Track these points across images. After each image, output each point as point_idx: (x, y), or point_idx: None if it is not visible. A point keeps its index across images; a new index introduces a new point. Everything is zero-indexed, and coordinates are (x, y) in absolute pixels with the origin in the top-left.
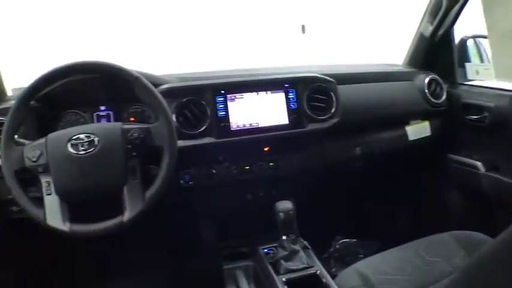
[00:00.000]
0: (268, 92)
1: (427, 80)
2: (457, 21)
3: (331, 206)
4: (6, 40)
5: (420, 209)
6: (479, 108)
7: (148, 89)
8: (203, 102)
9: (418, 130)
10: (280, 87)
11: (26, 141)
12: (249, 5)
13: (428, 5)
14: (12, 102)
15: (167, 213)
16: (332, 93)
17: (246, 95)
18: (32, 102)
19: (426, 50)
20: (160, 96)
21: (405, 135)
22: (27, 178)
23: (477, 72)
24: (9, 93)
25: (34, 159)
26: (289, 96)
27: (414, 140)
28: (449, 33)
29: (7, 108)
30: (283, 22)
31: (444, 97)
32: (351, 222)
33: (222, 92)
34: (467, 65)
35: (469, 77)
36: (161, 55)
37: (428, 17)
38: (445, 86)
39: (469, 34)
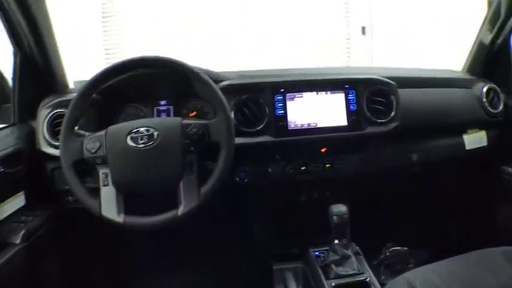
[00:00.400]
0: (328, 92)
1: (485, 89)
2: None
3: (384, 211)
4: (70, 34)
5: (473, 220)
6: None
7: (209, 85)
8: (262, 101)
9: (475, 139)
10: (340, 88)
11: (86, 133)
12: (309, 6)
13: (488, 13)
14: (74, 94)
15: (221, 209)
16: (392, 96)
17: (305, 94)
18: (94, 95)
19: (485, 58)
20: (220, 93)
21: (462, 143)
22: (85, 169)
23: None
24: (70, 85)
25: (93, 151)
26: (349, 97)
27: (470, 150)
28: (507, 42)
29: (68, 101)
30: (343, 23)
31: (501, 107)
32: (403, 230)
33: (282, 90)
34: None
35: None
36: (221, 54)
37: (488, 24)
38: (502, 96)
39: None
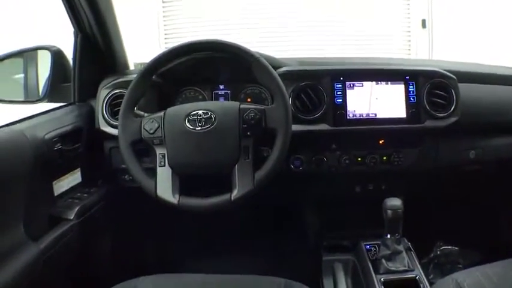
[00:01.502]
0: (388, 83)
1: None
2: None
3: (437, 209)
4: (130, 17)
5: None
6: None
7: (268, 70)
8: (321, 88)
9: None
10: (400, 79)
11: (145, 114)
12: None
13: None
14: (134, 75)
15: (275, 196)
16: (453, 91)
17: (365, 83)
18: (153, 77)
19: None
20: (278, 79)
21: None
22: (142, 149)
23: None
24: (131, 67)
25: (151, 131)
26: (409, 89)
27: None
28: None
29: (129, 81)
30: (403, 16)
31: None
32: (455, 229)
33: (341, 78)
34: None
35: None
36: (282, 44)
37: None
38: None
39: None
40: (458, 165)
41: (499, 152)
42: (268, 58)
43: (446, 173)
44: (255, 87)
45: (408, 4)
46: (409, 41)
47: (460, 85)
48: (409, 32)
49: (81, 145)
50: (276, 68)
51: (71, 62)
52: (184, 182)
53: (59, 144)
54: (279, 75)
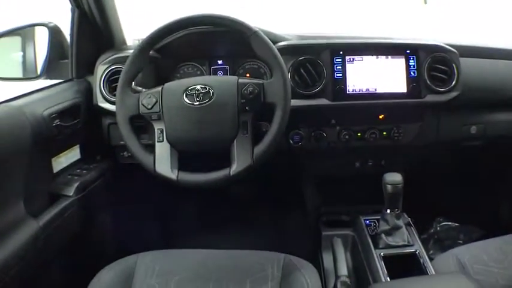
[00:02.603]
0: (389, 57)
1: None
2: None
3: (437, 185)
4: None
5: None
6: None
7: (266, 44)
8: (320, 62)
9: None
10: (401, 53)
11: (143, 89)
12: None
13: None
14: (131, 51)
15: (274, 171)
16: (454, 65)
17: (365, 57)
18: (151, 53)
19: None
20: (277, 53)
21: None
22: (140, 126)
23: None
24: (129, 43)
25: (149, 107)
26: (410, 63)
27: None
28: None
29: (126, 57)
30: None
31: None
32: (455, 205)
33: (341, 53)
34: None
35: None
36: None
37: None
38: None
39: None
40: (459, 141)
41: (500, 128)
42: (266, 32)
43: (446, 149)
44: (253, 62)
45: None
46: (411, 18)
47: (462, 59)
48: (411, 9)
49: (80, 121)
50: (275, 42)
51: (68, 38)
52: (183, 158)
53: (57, 121)
54: (278, 49)
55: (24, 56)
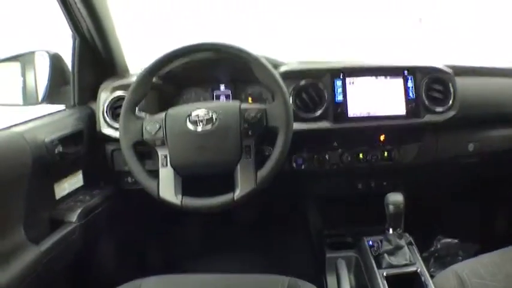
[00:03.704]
0: (388, 77)
1: None
2: None
3: (437, 203)
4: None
5: None
6: None
7: (267, 69)
8: (321, 86)
9: None
10: (399, 74)
11: (146, 115)
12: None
13: None
14: (134, 78)
15: (277, 194)
16: (450, 85)
17: (365, 79)
18: (154, 79)
19: None
20: (278, 77)
21: None
22: (144, 152)
23: None
24: (133, 71)
25: (153, 133)
26: (408, 85)
27: None
28: None
29: (129, 84)
30: (400, 14)
31: None
32: (455, 221)
33: (341, 75)
34: None
35: None
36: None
37: None
38: None
39: None
40: (457, 158)
41: (497, 144)
42: (268, 59)
43: (445, 167)
44: (256, 86)
45: (405, 2)
46: (406, 39)
47: (458, 79)
48: (406, 30)
49: (82, 148)
50: (276, 67)
51: (68, 64)
52: (187, 182)
53: (59, 147)
54: (280, 74)
55: (24, 82)
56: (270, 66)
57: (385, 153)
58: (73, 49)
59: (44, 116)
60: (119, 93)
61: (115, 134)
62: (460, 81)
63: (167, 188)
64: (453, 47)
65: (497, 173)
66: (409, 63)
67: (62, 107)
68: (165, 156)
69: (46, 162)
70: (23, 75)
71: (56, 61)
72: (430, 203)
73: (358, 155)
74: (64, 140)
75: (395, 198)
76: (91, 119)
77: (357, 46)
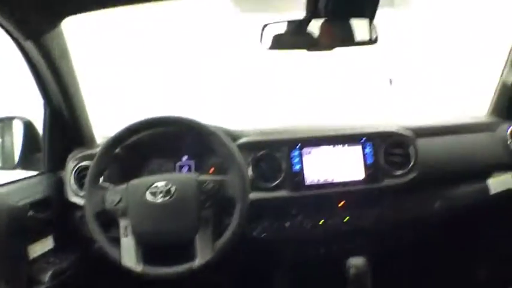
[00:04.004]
0: (345, 145)
1: (509, 130)
2: None
3: (407, 263)
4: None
5: (500, 267)
6: None
7: (224, 142)
8: (278, 156)
9: (500, 183)
10: (357, 141)
11: (109, 185)
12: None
13: (509, 54)
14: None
15: (240, 262)
16: (411, 147)
17: (322, 149)
18: (117, 150)
19: (509, 98)
20: (234, 150)
21: (486, 188)
22: (110, 219)
23: None
24: (99, 140)
25: (114, 203)
26: (366, 151)
27: (496, 194)
28: None
29: (94, 155)
30: (371, 76)
31: None
32: (425, 280)
33: (298, 146)
34: None
35: None
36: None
37: (510, 65)
38: None
39: None
40: (424, 217)
41: (465, 200)
42: (226, 130)
43: (412, 227)
44: (217, 157)
45: (375, 64)
46: (377, 99)
47: (419, 140)
48: (377, 91)
49: (53, 213)
50: (235, 139)
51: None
52: (149, 250)
53: (31, 211)
54: (238, 145)
55: (2, 146)
56: (226, 139)
57: (345, 218)
58: (44, 118)
59: (19, 180)
60: (85, 163)
61: (81, 202)
62: (422, 142)
63: (129, 256)
64: (422, 106)
65: (466, 228)
66: (367, 129)
67: (35, 172)
68: (126, 227)
69: (19, 224)
70: (2, 137)
71: (29, 128)
72: (400, 264)
73: (318, 221)
74: (35, 205)
75: (356, 262)
76: (60, 187)
77: (328, 106)
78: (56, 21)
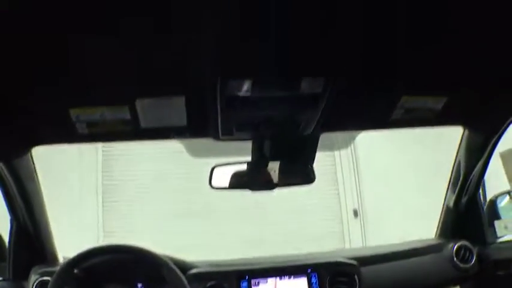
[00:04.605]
0: (291, 277)
1: (455, 248)
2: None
3: None
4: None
5: None
6: (508, 262)
7: (174, 272)
8: (227, 287)
9: None
10: (303, 272)
11: None
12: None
13: (449, 179)
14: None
15: None
16: (355, 276)
17: (269, 280)
18: (76, 271)
19: (453, 219)
20: (184, 280)
21: None
22: None
23: (506, 228)
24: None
25: None
26: (312, 281)
27: None
28: (474, 198)
29: (53, 272)
30: (335, 207)
31: (474, 260)
32: None
33: (246, 277)
34: (495, 222)
35: (499, 234)
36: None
37: (452, 187)
38: (475, 249)
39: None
40: None
41: None
42: (178, 261)
43: None
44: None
45: (339, 195)
46: (342, 230)
47: (364, 268)
48: (342, 222)
49: None
50: (186, 269)
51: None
52: None
53: None
54: (189, 276)
55: None
56: (176, 270)
57: None
58: (10, 230)
59: None
60: (45, 278)
61: None
62: (367, 270)
63: None
64: (387, 234)
65: None
66: (312, 260)
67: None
68: None
69: None
70: None
71: None
72: None
73: None
74: None
75: None
76: None
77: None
78: (25, 149)
